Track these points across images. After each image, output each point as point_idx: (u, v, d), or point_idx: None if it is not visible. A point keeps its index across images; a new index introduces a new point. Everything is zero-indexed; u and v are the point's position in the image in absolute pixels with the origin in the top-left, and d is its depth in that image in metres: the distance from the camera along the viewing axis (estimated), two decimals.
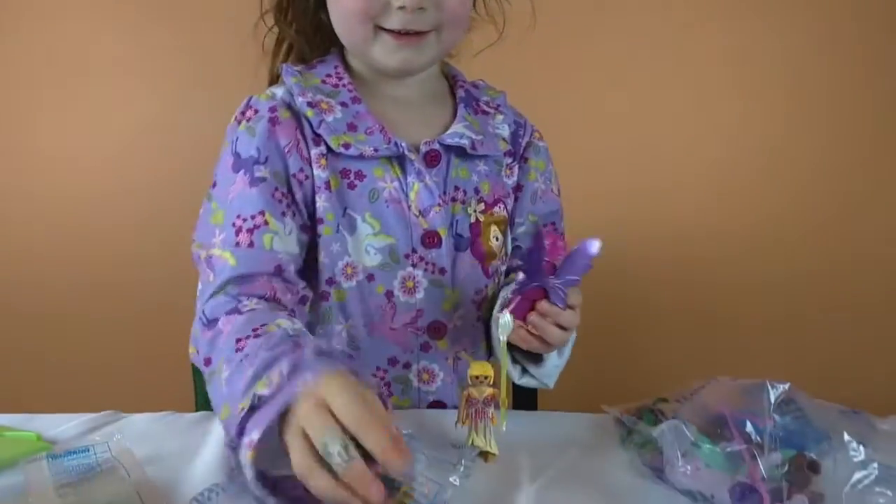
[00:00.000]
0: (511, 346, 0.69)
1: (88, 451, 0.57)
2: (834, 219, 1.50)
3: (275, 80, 0.79)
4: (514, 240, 0.83)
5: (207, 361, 0.60)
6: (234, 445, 0.46)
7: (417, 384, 0.76)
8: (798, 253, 1.51)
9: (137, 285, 1.56)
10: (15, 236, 1.57)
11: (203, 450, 0.61)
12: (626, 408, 0.68)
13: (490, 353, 0.80)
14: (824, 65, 1.45)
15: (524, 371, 0.72)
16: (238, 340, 0.56)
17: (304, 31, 0.77)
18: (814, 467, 0.52)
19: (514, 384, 0.75)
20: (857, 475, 0.48)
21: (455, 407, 0.73)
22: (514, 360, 0.72)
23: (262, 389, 0.47)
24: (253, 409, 0.46)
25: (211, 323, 0.62)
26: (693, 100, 1.49)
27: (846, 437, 0.50)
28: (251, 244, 0.65)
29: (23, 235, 1.57)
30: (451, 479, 0.52)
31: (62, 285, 1.57)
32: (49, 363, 1.58)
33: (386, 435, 0.41)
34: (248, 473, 0.44)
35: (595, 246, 0.57)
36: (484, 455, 0.60)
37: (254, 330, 0.57)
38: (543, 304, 0.60)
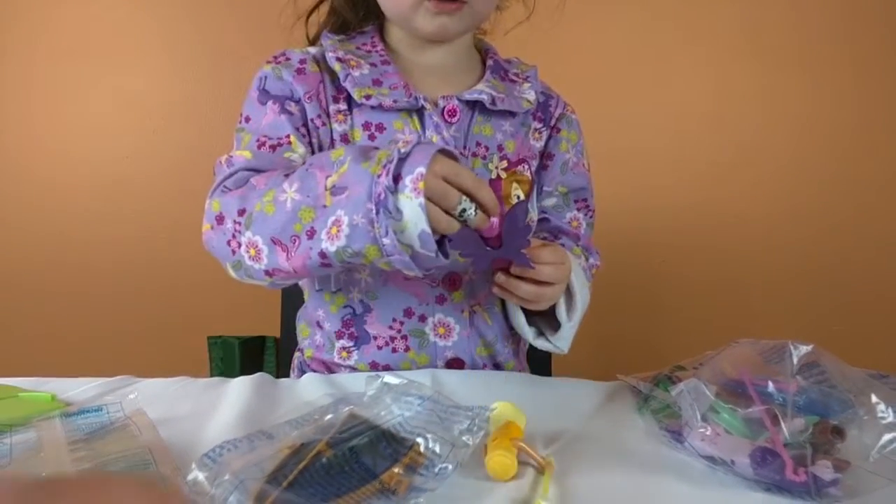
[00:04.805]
0: (529, 312, 0.69)
1: (101, 410, 0.56)
2: (852, 188, 1.49)
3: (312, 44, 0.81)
4: (542, 211, 0.83)
5: (241, 212, 0.62)
6: (372, 215, 0.53)
7: (434, 338, 0.76)
8: (820, 223, 1.50)
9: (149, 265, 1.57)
10: (37, 215, 1.59)
11: (216, 413, 0.61)
12: (642, 376, 0.67)
13: (504, 310, 0.80)
14: (845, 35, 1.44)
15: (539, 333, 0.72)
16: (286, 176, 0.60)
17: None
18: (839, 433, 0.51)
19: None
20: (886, 437, 0.47)
21: (472, 365, 0.75)
22: (531, 323, 0.72)
23: (403, 148, 0.55)
24: (398, 160, 0.54)
25: (237, 188, 0.65)
26: (712, 73, 1.48)
27: (874, 398, 0.48)
28: (272, 152, 0.69)
29: (45, 213, 1.59)
30: (464, 440, 0.51)
31: (84, 264, 1.59)
32: (67, 335, 1.61)
33: (489, 191, 0.58)
34: (418, 215, 0.52)
35: (523, 208, 0.60)
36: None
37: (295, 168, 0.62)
38: (501, 277, 0.64)
